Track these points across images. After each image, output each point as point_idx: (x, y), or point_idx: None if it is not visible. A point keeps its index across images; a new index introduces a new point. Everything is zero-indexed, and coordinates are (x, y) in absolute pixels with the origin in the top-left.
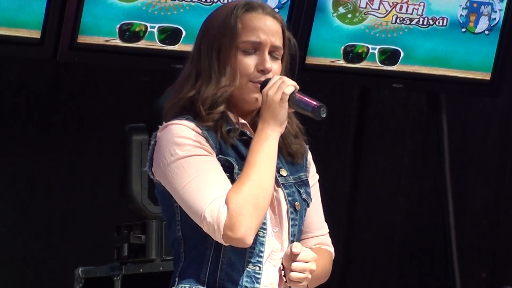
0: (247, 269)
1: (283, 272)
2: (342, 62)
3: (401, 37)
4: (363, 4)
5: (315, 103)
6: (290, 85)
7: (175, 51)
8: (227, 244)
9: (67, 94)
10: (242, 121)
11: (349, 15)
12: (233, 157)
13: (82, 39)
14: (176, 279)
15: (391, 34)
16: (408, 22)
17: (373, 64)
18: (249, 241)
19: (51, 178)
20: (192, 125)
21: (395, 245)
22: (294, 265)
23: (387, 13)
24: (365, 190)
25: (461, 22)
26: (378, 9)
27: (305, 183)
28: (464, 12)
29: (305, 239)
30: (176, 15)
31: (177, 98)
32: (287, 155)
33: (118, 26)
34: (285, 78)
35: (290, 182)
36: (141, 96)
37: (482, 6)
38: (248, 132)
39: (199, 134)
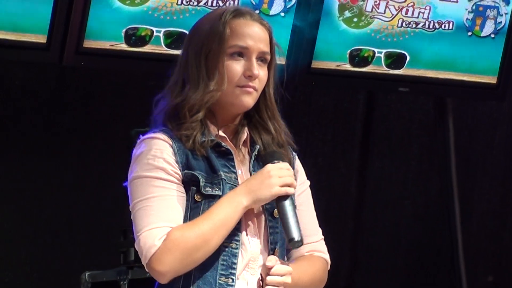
0: (219, 281)
1: (261, 283)
2: (348, 66)
3: (407, 41)
4: (369, 8)
5: (293, 233)
6: (291, 189)
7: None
8: (147, 272)
9: (73, 98)
10: (222, 134)
11: (355, 19)
12: (202, 169)
13: (88, 43)
14: None
15: (397, 38)
16: (414, 26)
17: (379, 68)
18: (166, 280)
19: (57, 182)
20: (164, 136)
21: (401, 247)
22: (269, 279)
23: (393, 16)
24: (371, 193)
25: (467, 25)
26: (384, 13)
27: None
28: (470, 16)
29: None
30: (182, 19)
31: (164, 105)
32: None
33: (124, 30)
34: (293, 180)
35: None
36: (147, 100)
37: (488, 10)
38: (224, 144)
39: (169, 146)
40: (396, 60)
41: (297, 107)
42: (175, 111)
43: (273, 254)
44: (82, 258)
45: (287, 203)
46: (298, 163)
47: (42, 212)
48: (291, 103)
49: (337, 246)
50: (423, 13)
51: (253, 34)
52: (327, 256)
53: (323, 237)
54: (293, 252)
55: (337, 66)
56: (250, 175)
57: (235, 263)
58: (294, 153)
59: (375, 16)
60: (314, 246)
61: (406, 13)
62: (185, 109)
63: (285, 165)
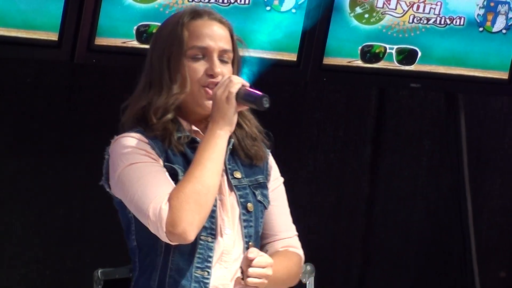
0: (195, 274)
1: (241, 275)
2: (359, 62)
3: (419, 37)
4: (380, 4)
5: (258, 95)
6: (236, 83)
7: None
8: (174, 243)
9: (85, 96)
10: (195, 128)
11: (366, 15)
12: (180, 164)
13: (100, 41)
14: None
15: (408, 34)
16: (425, 21)
17: (390, 64)
18: (191, 236)
19: (69, 180)
20: (140, 136)
21: (413, 244)
22: (250, 270)
23: (404, 13)
24: (383, 189)
25: (478, 21)
26: (395, 9)
27: (262, 186)
28: (481, 12)
29: (272, 242)
30: None
31: (131, 111)
32: (245, 157)
33: (135, 27)
34: (233, 77)
35: (244, 184)
36: None
37: (499, 5)
38: (198, 139)
39: (146, 143)
40: (407, 56)
41: (308, 104)
42: (143, 115)
43: (247, 248)
44: (94, 255)
45: (242, 88)
46: (271, 159)
47: (55, 210)
48: (302, 100)
49: (348, 242)
50: (434, 9)
51: (212, 34)
52: (301, 252)
53: (297, 233)
54: (268, 247)
55: (349, 62)
56: (226, 168)
57: (210, 257)
58: (267, 149)
59: (386, 12)
60: (288, 241)
61: (417, 9)
62: (150, 112)
63: (223, 78)
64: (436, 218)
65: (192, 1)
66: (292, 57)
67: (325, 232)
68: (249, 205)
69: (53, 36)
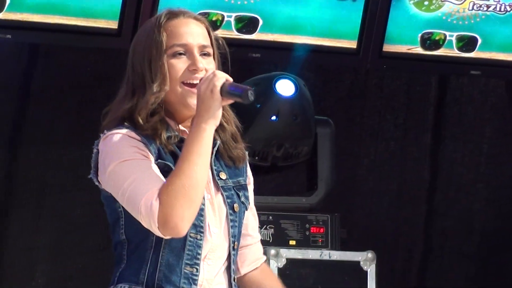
0: (185, 270)
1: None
2: (419, 50)
3: (478, 24)
4: None
5: (243, 87)
6: (220, 78)
7: (252, 40)
8: (167, 237)
9: None
10: (182, 128)
11: (426, 2)
12: (172, 162)
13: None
14: (116, 279)
15: (468, 21)
16: (485, 8)
17: (450, 51)
18: (183, 230)
19: None
20: (132, 133)
21: (474, 232)
22: None
23: (464, 0)
24: (444, 177)
25: None
26: None
27: (244, 187)
28: None
29: (248, 244)
30: (253, 4)
31: (114, 114)
32: (228, 159)
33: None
34: (217, 72)
35: (230, 185)
36: None
37: None
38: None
39: (139, 140)
40: (467, 43)
41: (369, 91)
42: (129, 117)
43: (233, 247)
44: None
45: (226, 83)
46: (247, 160)
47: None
48: (363, 88)
49: (410, 230)
50: None
51: (190, 31)
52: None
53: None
54: (246, 251)
55: (409, 49)
56: (212, 168)
57: (199, 254)
58: (245, 150)
59: (446, 0)
60: (259, 247)
61: None
62: (135, 113)
63: (207, 73)
64: (498, 205)
65: (473, 9)
66: (352, 44)
67: (387, 220)
68: (235, 205)
69: (113, 25)
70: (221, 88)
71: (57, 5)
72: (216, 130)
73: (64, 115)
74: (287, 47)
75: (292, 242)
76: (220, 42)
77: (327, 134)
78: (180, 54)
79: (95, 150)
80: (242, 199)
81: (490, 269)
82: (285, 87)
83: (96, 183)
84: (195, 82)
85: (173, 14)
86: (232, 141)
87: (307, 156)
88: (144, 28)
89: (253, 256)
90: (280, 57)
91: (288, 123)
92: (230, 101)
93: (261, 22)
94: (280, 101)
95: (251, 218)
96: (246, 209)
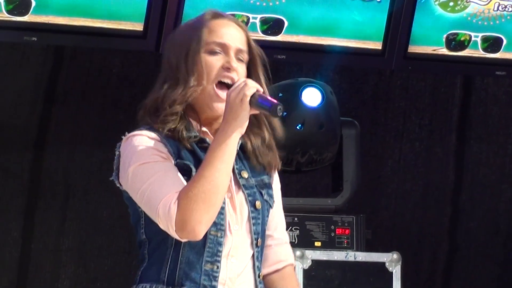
0: (205, 268)
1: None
2: (444, 50)
3: (504, 25)
4: None
5: (272, 102)
6: (251, 87)
7: (278, 42)
8: (184, 240)
9: None
10: (204, 129)
11: (451, 3)
12: (191, 161)
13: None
14: (138, 278)
15: (493, 22)
16: (510, 9)
17: (475, 51)
18: (200, 234)
19: None
20: (151, 134)
21: (500, 232)
22: None
23: (488, 0)
24: (469, 178)
25: None
26: None
27: (267, 186)
28: None
29: (270, 247)
30: (278, 5)
31: (145, 106)
32: (257, 164)
33: None
34: (249, 81)
35: (252, 183)
36: None
37: None
38: (207, 139)
39: (158, 141)
40: (492, 44)
41: (394, 92)
42: (156, 108)
43: (257, 244)
44: None
45: (257, 93)
46: (276, 176)
47: None
48: (388, 89)
49: (435, 230)
50: None
51: (230, 32)
52: (293, 261)
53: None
54: (269, 252)
55: (434, 50)
56: (233, 169)
57: (220, 251)
58: (279, 161)
59: (471, 0)
60: (286, 248)
61: None
62: (165, 104)
63: (239, 81)
64: None
65: (498, 10)
66: (377, 45)
67: (412, 220)
68: (257, 203)
69: (139, 27)
70: (251, 98)
71: (83, 7)
72: (247, 134)
73: (89, 117)
74: (313, 49)
75: (318, 244)
76: (260, 52)
77: (352, 135)
78: (216, 52)
79: (117, 153)
80: (265, 197)
81: None
82: (312, 96)
83: (118, 185)
84: (226, 81)
85: (217, 15)
86: (264, 147)
87: (331, 161)
88: (186, 24)
89: (275, 257)
90: (305, 58)
91: (313, 132)
92: (258, 112)
93: (286, 23)
94: (306, 111)
95: (276, 219)
96: (271, 207)
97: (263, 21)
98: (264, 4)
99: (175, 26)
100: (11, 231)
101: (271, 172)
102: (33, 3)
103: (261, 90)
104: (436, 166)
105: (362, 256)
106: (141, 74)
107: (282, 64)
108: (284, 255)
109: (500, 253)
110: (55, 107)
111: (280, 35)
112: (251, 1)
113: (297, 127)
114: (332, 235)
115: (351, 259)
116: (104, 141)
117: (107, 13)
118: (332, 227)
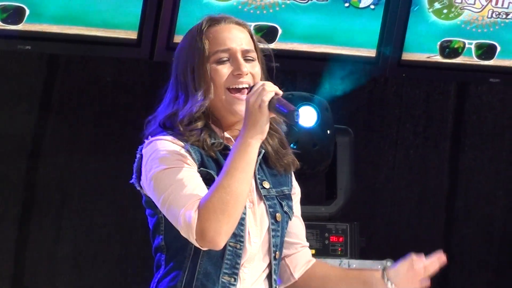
0: (222, 279)
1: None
2: (438, 58)
3: (498, 32)
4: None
5: (289, 108)
6: (270, 91)
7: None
8: (204, 249)
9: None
10: (227, 135)
11: (445, 11)
12: (214, 170)
13: (178, 39)
14: (154, 285)
15: (487, 29)
16: (504, 16)
17: (469, 59)
18: (220, 244)
19: None
20: (175, 140)
21: (495, 239)
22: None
23: (482, 7)
24: (464, 184)
25: None
26: (474, 4)
27: (288, 197)
28: None
29: (298, 252)
30: (272, 13)
31: (159, 119)
32: (280, 167)
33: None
34: (267, 84)
35: (273, 194)
36: None
37: None
38: (231, 146)
39: (182, 147)
40: (486, 51)
41: (388, 100)
42: (171, 124)
43: (275, 257)
44: None
45: (275, 97)
46: (295, 183)
47: (136, 208)
48: (382, 96)
49: (430, 237)
50: None
51: (232, 36)
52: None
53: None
54: (298, 255)
55: (428, 57)
56: (255, 177)
57: (238, 263)
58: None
59: (464, 7)
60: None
61: (496, 3)
62: (177, 122)
63: (257, 84)
64: None
65: (492, 17)
66: (371, 53)
67: (407, 228)
68: (278, 215)
69: (133, 35)
70: (269, 102)
71: (77, 15)
72: (266, 138)
73: (84, 125)
74: (306, 56)
75: (312, 251)
76: (263, 43)
77: (346, 142)
78: (224, 60)
79: (138, 155)
80: (285, 208)
81: (510, 276)
82: (307, 116)
83: (138, 188)
84: (240, 86)
85: (214, 20)
86: (281, 148)
87: (324, 172)
88: (186, 36)
89: (304, 259)
90: (299, 66)
91: (307, 150)
92: (275, 115)
93: (280, 31)
94: (300, 132)
95: (300, 226)
96: (290, 219)
97: (257, 29)
98: (258, 12)
99: (169, 34)
100: (6, 239)
101: (288, 178)
102: (27, 12)
103: (280, 93)
104: (431, 173)
105: (356, 264)
106: (135, 82)
107: (276, 72)
108: (309, 255)
109: (495, 260)
110: (50, 115)
111: (274, 43)
112: (245, 9)
113: (291, 146)
114: (326, 242)
115: (345, 266)
116: (99, 149)
117: (101, 22)
118: (326, 234)
